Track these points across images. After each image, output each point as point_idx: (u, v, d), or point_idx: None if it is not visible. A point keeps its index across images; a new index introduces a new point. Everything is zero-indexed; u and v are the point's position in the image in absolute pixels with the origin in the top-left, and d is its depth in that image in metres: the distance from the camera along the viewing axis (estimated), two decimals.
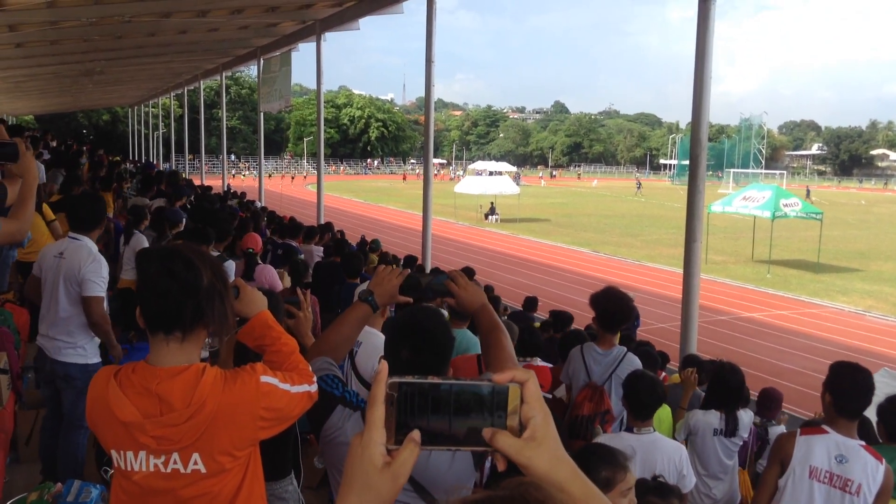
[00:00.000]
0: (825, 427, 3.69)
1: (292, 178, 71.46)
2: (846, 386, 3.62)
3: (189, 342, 2.12)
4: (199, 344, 2.16)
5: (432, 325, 2.28)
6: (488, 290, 8.53)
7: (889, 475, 3.54)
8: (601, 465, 2.55)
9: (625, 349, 4.92)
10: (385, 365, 1.00)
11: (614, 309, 4.84)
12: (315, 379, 2.27)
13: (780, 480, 3.74)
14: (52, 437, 5.02)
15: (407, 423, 0.97)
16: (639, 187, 68.19)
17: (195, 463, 2.10)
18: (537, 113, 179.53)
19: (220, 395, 2.08)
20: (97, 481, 3.86)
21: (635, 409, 4.00)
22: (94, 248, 5.03)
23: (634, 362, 4.83)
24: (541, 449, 0.98)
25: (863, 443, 3.61)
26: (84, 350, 4.94)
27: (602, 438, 4.00)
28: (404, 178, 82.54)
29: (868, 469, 3.51)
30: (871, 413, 4.31)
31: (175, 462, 2.10)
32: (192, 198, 13.27)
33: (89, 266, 4.82)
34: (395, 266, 2.64)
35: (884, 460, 3.56)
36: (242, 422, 2.12)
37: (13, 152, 3.08)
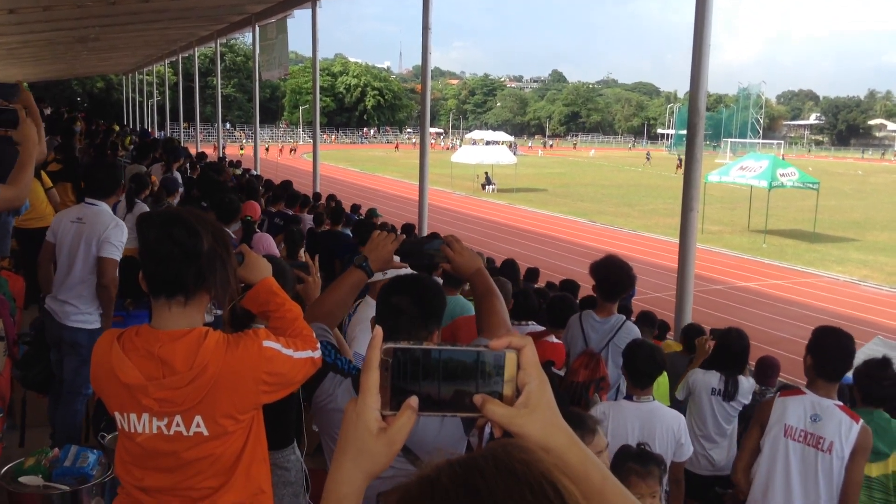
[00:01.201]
0: (803, 389, 3.77)
1: (292, 149, 67.40)
2: (826, 348, 3.69)
3: (191, 306, 2.14)
4: (201, 308, 2.18)
5: (425, 278, 2.31)
6: (490, 262, 8.53)
7: (865, 435, 3.59)
8: None
9: (623, 318, 4.90)
10: (380, 330, 0.99)
11: (615, 278, 4.83)
12: (318, 345, 2.28)
13: (760, 441, 3.83)
14: (59, 402, 5.05)
15: (402, 389, 0.96)
16: (680, 164, 63.63)
17: (197, 425, 2.12)
18: (535, 82, 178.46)
19: (223, 358, 2.09)
20: (95, 446, 3.89)
21: (634, 378, 4.02)
22: (112, 213, 5.08)
23: (633, 331, 4.82)
24: (533, 416, 0.97)
25: (839, 403, 3.67)
26: (93, 316, 4.96)
27: (600, 407, 4.02)
28: (396, 147, 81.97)
29: (842, 428, 3.57)
30: None
31: (178, 424, 2.12)
32: (190, 162, 13.19)
33: (112, 230, 4.89)
34: (389, 231, 2.63)
35: (860, 420, 3.61)
36: (244, 385, 2.13)
37: (13, 119, 3.08)
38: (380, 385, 0.97)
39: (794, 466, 3.67)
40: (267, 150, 59.92)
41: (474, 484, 0.75)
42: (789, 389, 4.01)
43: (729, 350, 4.88)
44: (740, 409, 4.92)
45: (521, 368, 0.97)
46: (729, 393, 4.79)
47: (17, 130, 3.08)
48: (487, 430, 2.42)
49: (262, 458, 2.33)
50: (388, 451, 0.98)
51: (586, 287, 6.36)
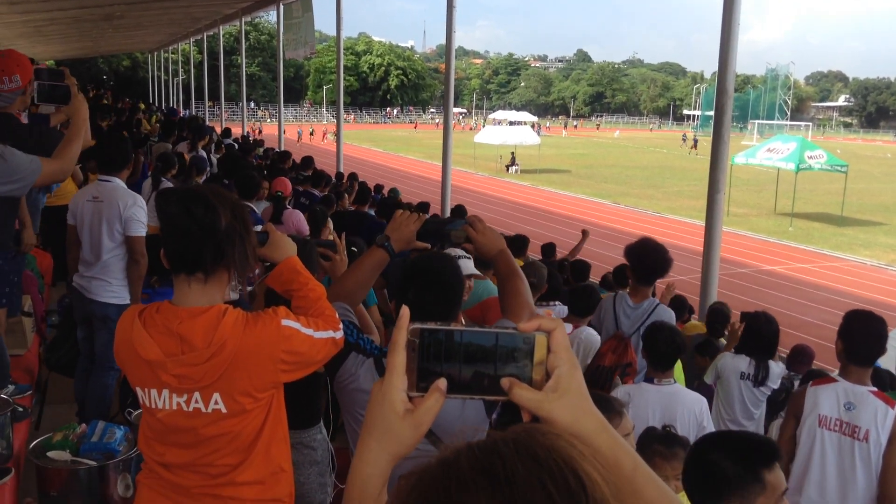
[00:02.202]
0: (835, 376, 3.72)
1: (325, 133, 60.80)
2: (857, 333, 3.64)
3: (211, 284, 2.15)
4: (222, 285, 2.18)
5: (440, 266, 2.27)
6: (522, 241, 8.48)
7: None
8: None
9: (656, 301, 4.82)
10: (406, 310, 0.98)
11: (650, 261, 4.77)
12: (341, 325, 2.28)
13: (797, 431, 3.77)
14: (87, 378, 5.11)
15: (428, 370, 0.95)
16: (694, 145, 56.93)
17: (216, 402, 2.14)
18: (560, 62, 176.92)
19: (241, 336, 2.10)
20: (121, 422, 3.94)
21: (654, 360, 3.99)
22: (127, 188, 5.12)
23: (666, 315, 4.72)
24: (562, 401, 0.95)
25: (873, 388, 3.62)
26: (123, 290, 5.02)
27: (622, 389, 4.00)
28: (416, 127, 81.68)
29: (878, 414, 3.52)
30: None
31: (196, 401, 2.14)
32: (216, 141, 13.24)
33: (132, 206, 4.93)
34: (412, 211, 2.62)
35: (895, 405, 3.55)
36: (262, 363, 2.14)
37: (66, 94, 3.17)
38: (406, 366, 0.96)
39: (830, 456, 3.62)
40: (311, 133, 58.36)
41: (493, 468, 0.73)
42: (820, 378, 3.95)
43: (759, 334, 4.83)
44: (769, 393, 4.87)
45: (552, 352, 0.96)
46: (759, 378, 4.74)
47: (69, 106, 3.16)
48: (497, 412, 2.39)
49: (283, 437, 2.34)
50: (415, 433, 0.97)
51: (598, 268, 6.36)
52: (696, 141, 58.11)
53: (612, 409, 2.48)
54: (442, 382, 0.94)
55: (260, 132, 46.15)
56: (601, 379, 4.58)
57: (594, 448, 0.96)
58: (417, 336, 0.95)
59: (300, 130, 56.56)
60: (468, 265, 3.25)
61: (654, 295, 4.92)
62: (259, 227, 2.35)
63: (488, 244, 2.50)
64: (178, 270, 2.14)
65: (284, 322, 2.16)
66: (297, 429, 3.33)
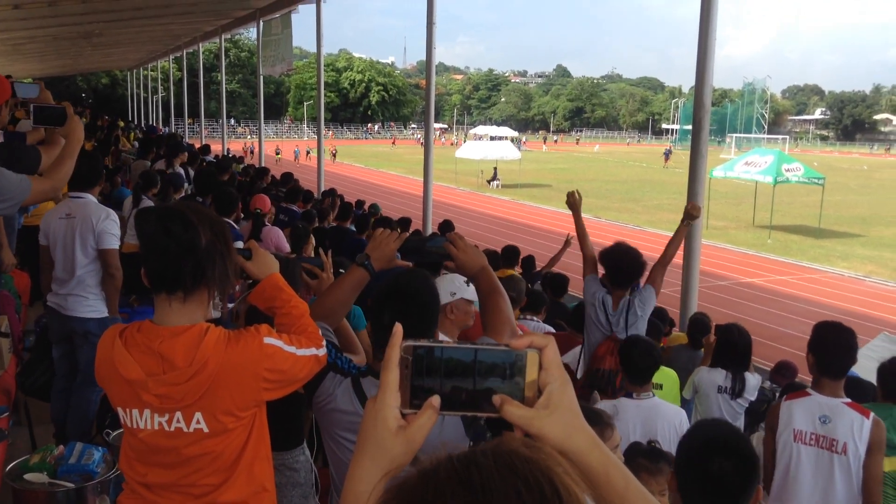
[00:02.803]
0: (808, 390, 3.71)
1: (333, 153, 55.11)
2: (828, 345, 3.63)
3: (192, 302, 2.14)
4: (202, 304, 2.17)
5: (415, 287, 2.27)
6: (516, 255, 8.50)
7: (878, 429, 3.53)
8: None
9: (627, 298, 4.92)
10: (399, 328, 0.98)
11: (626, 265, 4.86)
12: (324, 343, 2.27)
13: (772, 448, 3.77)
14: (64, 398, 5.07)
15: (421, 387, 0.95)
16: (666, 158, 59.06)
17: (197, 422, 2.12)
18: (539, 77, 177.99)
19: (223, 354, 2.09)
20: (99, 444, 3.89)
21: (632, 375, 4.01)
22: (98, 203, 5.11)
23: (642, 297, 4.90)
24: (553, 418, 0.95)
25: (847, 400, 3.61)
26: (100, 304, 5.01)
27: (601, 405, 4.01)
28: (393, 143, 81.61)
29: (854, 426, 3.51)
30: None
31: (178, 421, 2.12)
32: (190, 157, 13.18)
33: (105, 220, 4.93)
34: (393, 228, 2.61)
35: (871, 414, 3.55)
36: (245, 382, 2.13)
37: (62, 115, 3.18)
38: (399, 383, 0.96)
39: (807, 471, 3.60)
40: (308, 153, 52.13)
41: (469, 478, 0.74)
42: (794, 392, 3.95)
43: (732, 346, 4.86)
44: (746, 405, 4.90)
45: (543, 368, 0.96)
46: (736, 390, 4.77)
47: (64, 126, 3.19)
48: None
49: (265, 456, 2.32)
50: (407, 450, 0.97)
51: (579, 282, 6.39)
52: (666, 154, 59.49)
53: (601, 422, 2.49)
54: (435, 399, 0.94)
55: (253, 152, 44.78)
56: (602, 382, 4.59)
57: (585, 465, 0.97)
58: (410, 353, 0.95)
59: (297, 150, 53.59)
60: (471, 291, 3.26)
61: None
62: (239, 244, 2.35)
63: (469, 261, 2.49)
64: (159, 290, 2.13)
65: (267, 340, 2.15)
66: (279, 450, 3.29)
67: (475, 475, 0.74)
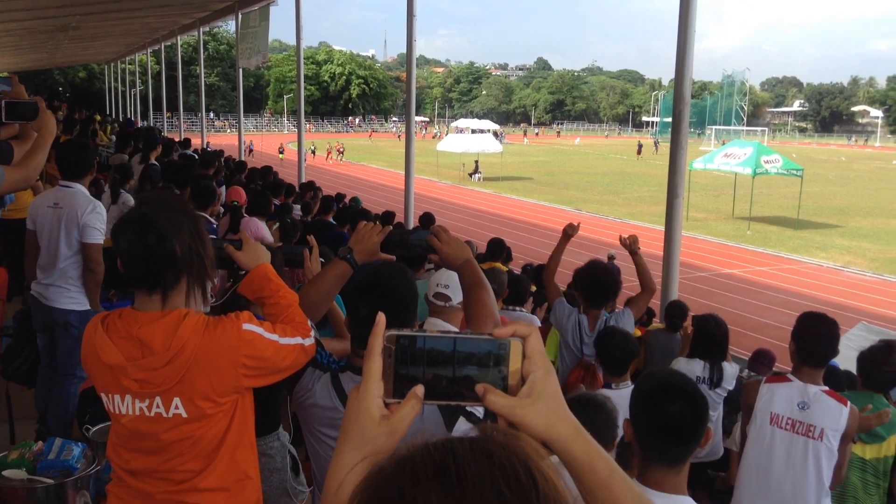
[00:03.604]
0: (789, 376, 3.77)
1: (340, 151, 51.36)
2: (810, 335, 3.70)
3: (171, 296, 2.16)
4: (182, 292, 2.19)
5: (391, 280, 2.25)
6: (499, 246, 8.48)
7: (853, 418, 3.61)
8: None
9: (605, 315, 4.85)
10: (382, 317, 0.98)
11: (602, 285, 4.83)
12: (312, 334, 2.27)
13: (746, 427, 3.84)
14: (49, 386, 5.04)
15: (404, 377, 0.95)
16: (639, 150, 60.20)
17: (176, 407, 2.13)
18: (520, 70, 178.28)
19: (200, 339, 2.10)
20: (79, 439, 3.86)
21: (609, 366, 4.07)
22: (89, 194, 5.07)
23: (621, 321, 4.79)
24: (536, 406, 0.95)
25: (825, 388, 3.68)
26: (82, 296, 4.98)
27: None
28: (370, 136, 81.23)
29: (831, 413, 3.58)
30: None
31: (158, 406, 2.13)
32: (170, 151, 13.09)
33: (90, 213, 4.89)
34: (375, 222, 2.60)
35: (848, 403, 3.63)
36: (223, 368, 2.13)
37: (34, 109, 3.24)
38: (382, 372, 0.96)
39: (780, 454, 3.67)
40: (314, 152, 48.17)
41: (445, 465, 0.74)
42: (775, 376, 4.02)
43: (710, 336, 4.90)
44: (724, 395, 4.94)
45: (526, 357, 0.96)
46: (714, 380, 4.81)
47: (36, 120, 3.24)
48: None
49: (248, 442, 2.32)
50: (390, 440, 0.97)
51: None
52: (640, 146, 60.52)
53: (606, 410, 2.57)
54: (419, 389, 0.94)
55: (251, 151, 42.25)
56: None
57: (568, 453, 0.97)
58: (393, 342, 0.95)
59: (313, 150, 48.54)
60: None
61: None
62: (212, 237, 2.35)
63: (453, 254, 2.47)
64: (138, 288, 2.16)
65: (246, 326, 2.15)
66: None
67: (451, 462, 0.74)
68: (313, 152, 47.35)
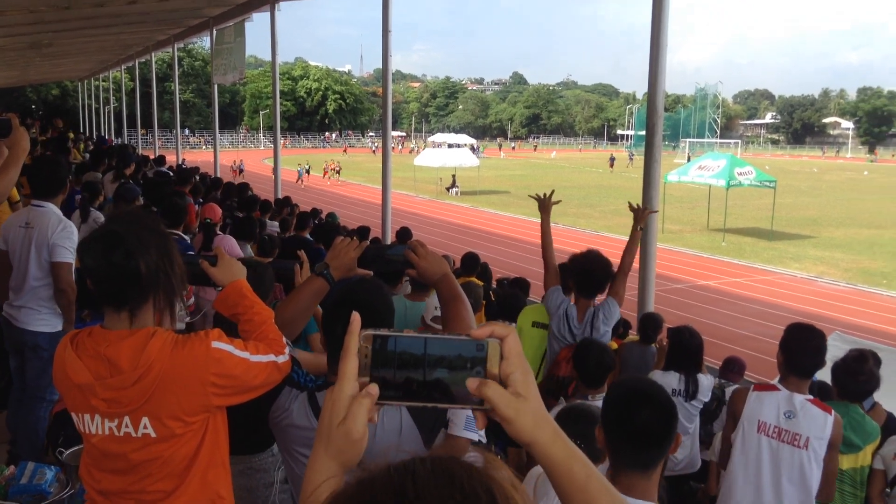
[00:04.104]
0: (777, 384, 3.80)
1: (337, 171, 46.74)
2: (797, 346, 3.73)
3: (140, 314, 2.15)
4: (150, 311, 2.17)
5: (367, 297, 2.24)
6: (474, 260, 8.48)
7: (838, 427, 3.65)
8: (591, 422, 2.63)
9: (592, 310, 4.92)
10: (357, 316, 0.97)
11: (597, 276, 4.87)
12: (287, 350, 2.24)
13: (731, 435, 3.85)
14: (19, 410, 4.96)
15: (381, 377, 0.94)
16: (611, 163, 60.91)
17: (145, 427, 2.11)
18: (496, 84, 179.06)
19: (168, 358, 2.07)
20: (52, 462, 3.80)
21: (586, 378, 4.09)
22: (60, 213, 5.00)
23: (605, 311, 4.88)
24: (527, 405, 0.95)
25: (811, 397, 3.71)
26: (54, 318, 4.90)
27: (555, 410, 4.04)
28: (345, 151, 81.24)
29: (817, 422, 3.62)
30: None
31: (126, 425, 2.11)
32: (142, 168, 13.01)
33: (59, 232, 4.81)
34: (353, 238, 2.60)
35: (833, 411, 3.67)
36: (191, 387, 2.11)
37: (6, 126, 3.26)
38: (359, 373, 0.94)
39: (766, 462, 3.69)
40: (308, 171, 43.92)
41: (403, 487, 0.74)
42: (763, 384, 4.04)
43: (684, 348, 4.92)
44: (701, 406, 4.95)
45: (505, 358, 0.95)
46: (690, 392, 4.82)
47: (9, 137, 3.24)
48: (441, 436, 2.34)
49: (220, 462, 2.29)
50: (348, 441, 0.96)
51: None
52: (612, 159, 61.48)
53: (596, 419, 2.57)
54: (373, 388, 0.93)
55: (241, 171, 41.67)
56: (557, 389, 4.61)
57: (548, 456, 0.98)
58: (370, 342, 0.94)
59: (301, 169, 43.37)
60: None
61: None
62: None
63: (430, 269, 2.47)
64: (106, 305, 2.15)
65: (215, 344, 2.12)
66: (247, 454, 3.30)
67: (409, 484, 0.74)
68: (307, 171, 43.94)
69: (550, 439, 0.98)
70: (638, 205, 5.38)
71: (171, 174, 13.32)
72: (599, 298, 5.10)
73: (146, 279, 2.09)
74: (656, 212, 5.30)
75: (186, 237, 6.70)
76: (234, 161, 45.94)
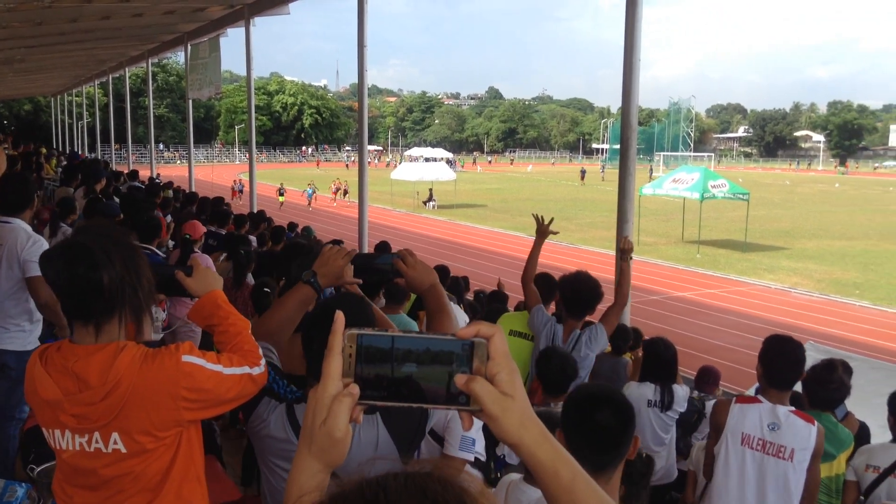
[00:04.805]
0: (759, 396, 3.79)
1: (344, 191, 41.90)
2: (775, 357, 3.73)
3: (107, 328, 2.10)
4: (115, 325, 2.12)
5: (346, 311, 2.23)
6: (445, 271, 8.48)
7: (821, 437, 3.66)
8: None
9: (578, 332, 4.90)
10: (341, 315, 0.96)
11: (586, 296, 4.83)
12: (262, 362, 2.20)
13: (714, 448, 3.83)
14: None
15: (364, 377, 0.93)
16: (581, 176, 62.30)
17: (115, 442, 2.07)
18: (472, 99, 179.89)
19: (137, 373, 2.03)
20: (24, 479, 3.75)
21: (548, 386, 4.13)
22: (30, 228, 4.92)
23: (589, 336, 4.86)
24: (514, 404, 0.94)
25: (793, 408, 3.72)
26: (22, 335, 4.80)
27: None
28: (318, 165, 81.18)
29: (801, 434, 3.62)
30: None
31: (97, 441, 2.07)
32: (114, 182, 12.90)
33: (30, 248, 4.72)
34: (341, 246, 2.58)
35: (815, 422, 3.67)
36: (161, 402, 2.07)
37: None
38: (343, 372, 0.93)
39: (751, 475, 3.68)
40: (314, 191, 40.23)
41: (375, 501, 0.73)
42: (745, 397, 4.04)
43: (659, 359, 4.93)
44: (676, 417, 4.97)
45: (491, 358, 0.94)
46: (665, 403, 4.83)
47: None
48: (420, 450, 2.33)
49: (195, 476, 2.25)
50: (331, 440, 0.95)
51: (515, 296, 6.45)
52: (583, 172, 62.74)
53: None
54: (353, 388, 0.92)
55: (241, 191, 37.72)
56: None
57: (534, 457, 0.97)
58: (354, 342, 0.93)
59: (309, 190, 39.75)
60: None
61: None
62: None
63: (419, 278, 2.46)
64: (73, 318, 2.11)
65: (185, 358, 2.08)
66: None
67: (381, 499, 0.74)
68: (314, 191, 40.10)
69: (536, 440, 0.97)
70: (625, 239, 5.36)
71: (143, 187, 13.24)
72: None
73: (109, 292, 2.05)
74: (557, 233, 5.29)
75: (160, 252, 6.64)
76: (235, 181, 42.93)
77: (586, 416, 2.21)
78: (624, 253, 5.16)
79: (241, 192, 38.91)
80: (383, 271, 2.53)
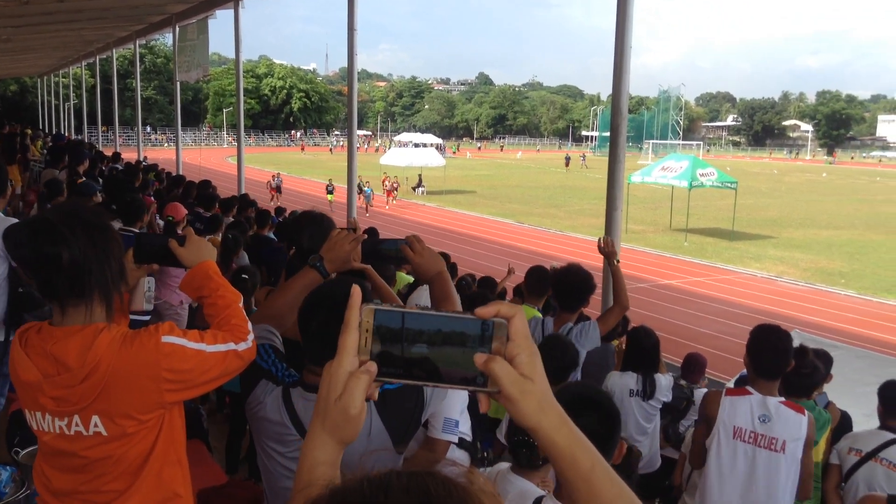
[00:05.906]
0: (748, 388, 3.78)
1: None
2: (762, 347, 3.72)
3: (78, 308, 2.05)
4: (94, 305, 2.07)
5: (343, 296, 2.21)
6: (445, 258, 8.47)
7: (811, 426, 3.67)
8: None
9: (570, 325, 4.77)
10: (357, 289, 0.95)
11: (579, 290, 4.77)
12: (250, 337, 2.17)
13: (706, 441, 3.81)
14: None
15: (382, 353, 0.92)
16: (566, 163, 63.04)
17: (95, 425, 2.04)
18: (462, 84, 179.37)
19: (116, 355, 2.00)
20: (8, 462, 3.74)
21: (549, 374, 4.08)
22: (2, 215, 4.84)
23: (578, 331, 4.71)
24: (533, 386, 0.93)
25: (782, 399, 3.72)
26: None
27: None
28: (302, 149, 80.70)
29: (792, 424, 3.62)
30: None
31: (77, 424, 2.04)
32: (99, 164, 12.80)
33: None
34: (351, 230, 2.56)
35: (806, 411, 3.67)
36: (142, 384, 2.03)
37: None
38: (359, 347, 0.92)
39: (742, 467, 3.68)
40: (332, 190, 32.23)
41: (375, 501, 0.73)
42: (735, 388, 4.03)
43: (641, 348, 4.92)
44: (660, 406, 4.96)
45: (511, 339, 0.93)
46: (647, 392, 4.82)
47: None
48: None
49: (176, 460, 2.23)
50: (345, 417, 0.93)
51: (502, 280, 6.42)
52: (567, 159, 63.45)
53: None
54: (371, 365, 0.91)
55: (279, 188, 32.72)
56: None
57: (552, 442, 0.95)
58: (371, 317, 0.91)
59: (367, 190, 31.77)
60: None
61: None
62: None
63: (426, 265, 2.44)
64: (47, 299, 2.08)
65: (165, 338, 2.04)
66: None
67: (381, 498, 0.73)
68: (372, 191, 33.03)
69: (555, 425, 0.95)
70: (604, 239, 5.12)
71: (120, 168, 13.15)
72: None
73: (70, 269, 1.99)
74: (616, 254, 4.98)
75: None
76: (272, 177, 35.25)
77: (571, 417, 2.18)
78: (609, 256, 4.98)
79: (279, 189, 33.50)
80: (390, 258, 2.50)
